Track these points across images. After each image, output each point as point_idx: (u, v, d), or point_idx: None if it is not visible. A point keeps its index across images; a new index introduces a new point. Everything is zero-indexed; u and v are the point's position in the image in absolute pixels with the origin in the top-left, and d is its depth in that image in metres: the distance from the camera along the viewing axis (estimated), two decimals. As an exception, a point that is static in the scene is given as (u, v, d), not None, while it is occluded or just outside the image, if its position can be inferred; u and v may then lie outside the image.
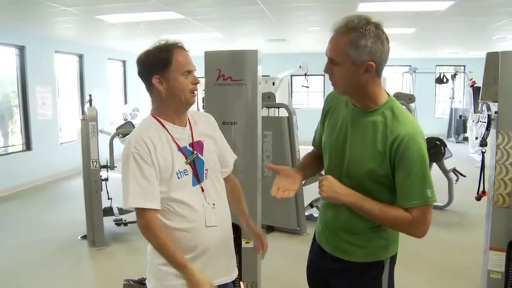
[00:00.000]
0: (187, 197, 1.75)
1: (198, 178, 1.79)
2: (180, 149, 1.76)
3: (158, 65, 1.73)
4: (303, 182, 1.90)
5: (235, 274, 1.95)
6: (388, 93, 1.67)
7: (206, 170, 1.82)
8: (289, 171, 1.81)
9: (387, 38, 1.55)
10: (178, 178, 1.74)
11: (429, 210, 1.58)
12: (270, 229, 5.24)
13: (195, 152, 1.80)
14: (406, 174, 1.55)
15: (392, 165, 1.57)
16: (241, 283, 2.17)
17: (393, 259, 1.77)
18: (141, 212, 1.71)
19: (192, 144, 1.80)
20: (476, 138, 9.21)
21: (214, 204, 1.81)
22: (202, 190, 1.79)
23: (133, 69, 1.85)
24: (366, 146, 1.61)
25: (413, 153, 1.53)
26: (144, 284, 1.90)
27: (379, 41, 1.52)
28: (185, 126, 1.83)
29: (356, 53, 1.51)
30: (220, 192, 1.89)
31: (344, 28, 1.53)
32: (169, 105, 1.78)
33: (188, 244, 1.75)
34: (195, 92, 1.79)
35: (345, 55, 1.52)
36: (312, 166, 1.95)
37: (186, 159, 1.77)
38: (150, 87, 1.77)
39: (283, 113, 5.36)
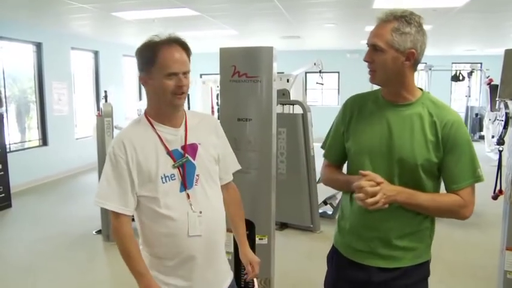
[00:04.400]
0: (170, 203, 1.64)
1: (184, 184, 1.66)
2: (168, 151, 1.65)
3: (143, 63, 1.64)
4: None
5: (227, 283, 1.84)
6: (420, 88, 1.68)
7: (197, 175, 1.69)
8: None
9: (426, 33, 1.57)
10: (163, 183, 1.64)
11: (474, 189, 1.63)
12: (283, 226, 5.24)
13: (186, 155, 1.68)
14: (458, 156, 1.58)
15: (443, 151, 1.59)
16: (254, 280, 2.16)
17: (429, 262, 1.78)
18: (113, 214, 1.65)
19: (184, 147, 1.68)
20: (493, 136, 9.11)
21: (201, 213, 1.67)
22: (188, 197, 1.66)
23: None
24: (416, 138, 1.59)
25: (463, 136, 1.59)
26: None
27: (422, 32, 1.55)
28: (179, 127, 1.70)
29: (400, 39, 1.52)
30: (213, 199, 1.75)
31: (390, 16, 1.55)
32: (155, 105, 1.68)
33: (171, 250, 1.67)
34: (182, 94, 1.64)
35: (389, 41, 1.53)
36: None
37: (174, 162, 1.66)
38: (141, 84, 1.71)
39: (297, 110, 5.35)
